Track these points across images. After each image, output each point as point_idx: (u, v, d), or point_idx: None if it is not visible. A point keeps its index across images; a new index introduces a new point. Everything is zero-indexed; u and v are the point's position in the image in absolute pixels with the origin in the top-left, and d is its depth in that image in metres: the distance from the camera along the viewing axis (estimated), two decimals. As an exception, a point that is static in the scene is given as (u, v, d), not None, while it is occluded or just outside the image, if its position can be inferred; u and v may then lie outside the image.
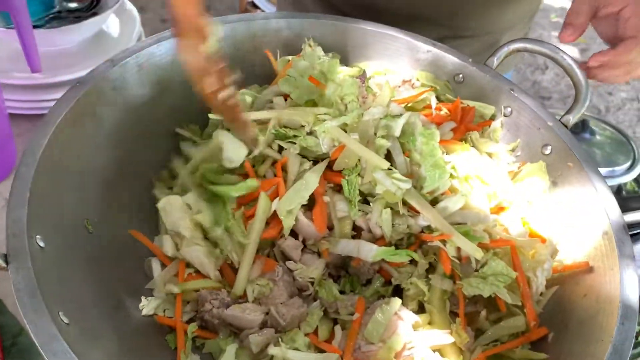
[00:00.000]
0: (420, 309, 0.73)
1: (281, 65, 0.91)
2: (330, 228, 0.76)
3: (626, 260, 0.66)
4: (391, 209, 0.74)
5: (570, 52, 3.27)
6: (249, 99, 0.85)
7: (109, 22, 1.22)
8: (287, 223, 0.73)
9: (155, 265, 0.75)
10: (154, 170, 0.83)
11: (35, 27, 1.01)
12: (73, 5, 1.19)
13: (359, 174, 0.75)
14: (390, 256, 0.72)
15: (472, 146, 0.85)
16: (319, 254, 0.76)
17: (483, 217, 0.76)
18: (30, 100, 1.03)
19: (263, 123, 0.81)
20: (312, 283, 0.74)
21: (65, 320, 0.54)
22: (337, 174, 0.77)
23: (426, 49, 0.89)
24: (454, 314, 0.72)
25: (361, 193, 0.75)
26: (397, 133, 0.77)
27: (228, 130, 0.81)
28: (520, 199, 0.81)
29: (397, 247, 0.75)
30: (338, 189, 0.77)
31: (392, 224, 0.74)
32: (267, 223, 0.75)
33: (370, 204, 0.75)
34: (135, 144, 0.79)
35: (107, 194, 0.73)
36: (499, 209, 0.80)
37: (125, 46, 1.11)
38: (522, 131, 0.85)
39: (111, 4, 1.16)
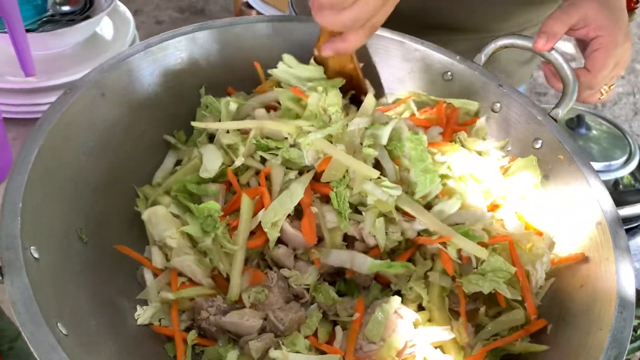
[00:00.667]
0: (420, 307, 0.74)
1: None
2: (321, 238, 0.76)
3: (621, 250, 0.68)
4: (384, 216, 0.74)
5: (565, 47, 3.30)
6: (233, 106, 0.85)
7: (103, 25, 1.23)
8: (272, 235, 0.73)
9: (148, 274, 0.75)
10: (145, 178, 0.83)
11: (28, 30, 1.03)
12: (66, 8, 1.21)
13: (347, 186, 0.75)
14: (386, 269, 0.72)
15: (461, 146, 0.85)
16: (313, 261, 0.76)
17: (480, 215, 0.77)
18: (24, 104, 1.05)
19: (245, 133, 0.82)
20: (308, 289, 0.75)
21: (64, 331, 0.54)
22: (325, 185, 0.76)
23: (414, 48, 0.90)
24: (453, 312, 0.73)
25: (351, 205, 0.75)
26: (384, 141, 0.77)
27: (211, 140, 0.83)
28: (513, 194, 0.82)
29: (393, 251, 0.76)
30: (326, 199, 0.77)
31: (386, 232, 0.74)
32: (253, 232, 0.75)
33: (362, 212, 0.75)
34: (126, 151, 0.79)
35: (100, 202, 0.73)
36: (494, 207, 0.81)
37: (119, 49, 1.14)
38: (512, 126, 0.87)
39: (104, 7, 1.18)
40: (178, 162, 0.86)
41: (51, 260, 0.60)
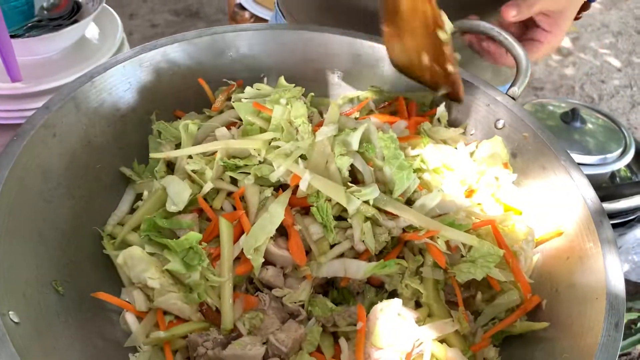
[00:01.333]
0: (417, 305, 0.75)
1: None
2: (308, 251, 0.75)
3: (598, 214, 0.71)
4: (369, 220, 0.74)
5: (563, 42, 3.37)
6: (193, 128, 0.82)
7: (90, 29, 1.24)
8: (257, 262, 0.71)
9: (131, 319, 0.71)
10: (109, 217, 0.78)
11: (14, 36, 1.07)
12: (53, 13, 1.19)
13: (327, 199, 0.74)
14: (381, 269, 0.72)
15: (427, 136, 0.87)
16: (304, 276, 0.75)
17: (461, 203, 0.79)
18: (13, 109, 1.05)
19: (209, 155, 0.79)
20: (303, 306, 0.73)
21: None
22: (303, 199, 0.75)
23: (368, 45, 0.90)
24: (449, 304, 0.75)
25: (334, 216, 0.74)
26: (356, 146, 0.77)
27: (171, 171, 0.80)
28: (485, 178, 0.84)
29: (381, 252, 0.76)
30: (305, 211, 0.76)
31: (374, 234, 0.74)
32: (238, 258, 0.72)
33: (348, 219, 0.75)
34: (86, 192, 0.75)
35: (69, 249, 0.70)
36: (470, 192, 0.83)
37: (107, 52, 1.16)
38: (472, 110, 0.89)
39: (91, 11, 1.18)
40: (138, 196, 0.82)
41: (32, 321, 0.57)
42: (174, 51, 0.86)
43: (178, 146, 0.84)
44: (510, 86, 0.87)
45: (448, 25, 0.76)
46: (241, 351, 0.66)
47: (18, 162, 0.65)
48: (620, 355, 1.59)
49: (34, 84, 1.05)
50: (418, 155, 0.82)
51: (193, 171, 0.78)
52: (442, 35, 0.76)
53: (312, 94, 0.91)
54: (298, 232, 0.73)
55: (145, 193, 0.79)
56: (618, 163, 1.27)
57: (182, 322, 0.71)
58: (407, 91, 0.94)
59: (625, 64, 3.52)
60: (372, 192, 0.73)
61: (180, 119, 0.88)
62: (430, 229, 0.73)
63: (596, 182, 1.22)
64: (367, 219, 0.74)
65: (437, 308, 0.73)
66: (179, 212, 0.75)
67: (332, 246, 0.75)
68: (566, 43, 3.42)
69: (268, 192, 0.76)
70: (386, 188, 0.78)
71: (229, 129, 0.84)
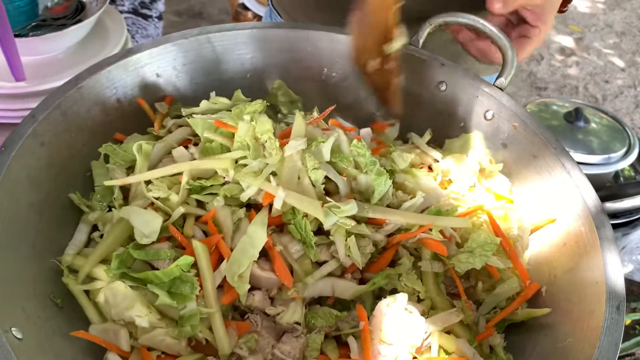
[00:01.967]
0: (418, 300, 0.74)
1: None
2: (290, 270, 0.72)
3: (593, 202, 0.72)
4: (352, 234, 0.72)
5: (565, 40, 3.44)
6: (148, 148, 0.78)
7: (95, 28, 1.23)
8: (242, 290, 0.67)
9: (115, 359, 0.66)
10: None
11: (18, 35, 1.07)
12: (57, 13, 1.21)
13: (304, 215, 0.71)
14: (370, 288, 0.72)
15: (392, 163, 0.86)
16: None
17: (439, 194, 0.80)
18: (17, 109, 1.05)
19: (170, 177, 0.75)
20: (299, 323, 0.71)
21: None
22: (277, 217, 0.72)
23: (347, 40, 0.89)
24: (450, 296, 0.74)
25: (313, 231, 0.72)
26: (327, 157, 0.76)
27: (124, 201, 0.76)
28: (465, 169, 0.85)
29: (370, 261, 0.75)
30: (280, 229, 0.74)
31: (359, 248, 0.72)
32: (220, 286, 0.69)
33: (330, 237, 0.72)
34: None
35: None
36: (447, 183, 0.85)
37: (111, 51, 1.16)
38: (461, 102, 0.90)
39: (95, 11, 1.19)
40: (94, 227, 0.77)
41: (35, 336, 0.58)
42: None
43: (130, 170, 0.78)
44: (498, 77, 0.87)
45: (400, 40, 0.78)
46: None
47: (7, 174, 0.63)
48: (625, 356, 1.58)
49: (38, 84, 1.05)
50: (388, 159, 0.82)
51: (156, 198, 0.73)
52: (387, 49, 0.78)
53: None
54: (279, 253, 0.70)
55: (107, 226, 0.73)
56: (622, 163, 1.29)
57: (173, 358, 0.66)
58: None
59: (629, 64, 3.58)
60: (351, 209, 0.71)
61: (122, 142, 0.82)
62: (424, 224, 0.73)
63: (600, 182, 1.25)
64: (349, 233, 0.72)
65: (440, 301, 0.73)
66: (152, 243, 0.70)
67: (318, 263, 0.73)
68: (570, 43, 3.43)
69: (241, 212, 0.72)
70: (362, 197, 0.77)
71: (186, 147, 0.80)
